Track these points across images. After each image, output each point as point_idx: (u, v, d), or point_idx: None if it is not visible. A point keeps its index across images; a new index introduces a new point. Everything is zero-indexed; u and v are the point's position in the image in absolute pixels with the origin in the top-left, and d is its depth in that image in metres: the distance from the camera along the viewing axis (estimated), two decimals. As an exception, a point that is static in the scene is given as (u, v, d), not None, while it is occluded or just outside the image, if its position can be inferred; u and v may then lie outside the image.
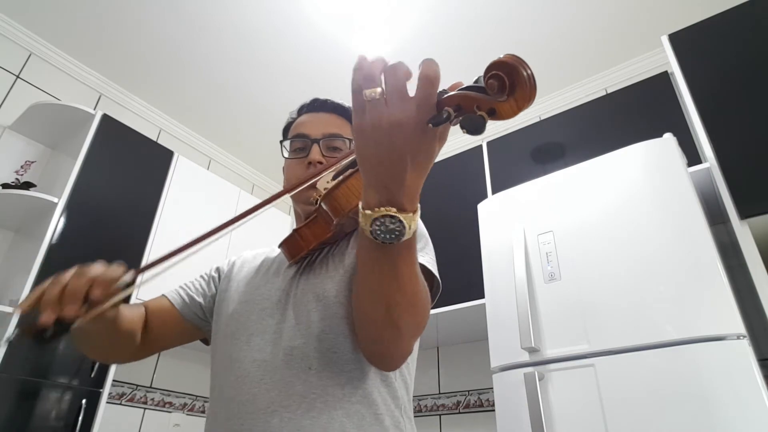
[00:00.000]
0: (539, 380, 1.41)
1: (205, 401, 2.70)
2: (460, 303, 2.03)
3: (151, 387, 2.50)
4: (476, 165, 2.36)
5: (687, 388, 1.19)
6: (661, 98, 1.91)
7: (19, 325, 0.54)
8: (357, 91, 0.45)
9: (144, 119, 2.91)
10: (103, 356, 0.79)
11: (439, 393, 2.42)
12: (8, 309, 1.75)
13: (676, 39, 1.82)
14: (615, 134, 1.91)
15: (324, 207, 0.62)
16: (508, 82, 0.40)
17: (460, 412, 2.32)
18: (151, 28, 2.45)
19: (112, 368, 1.98)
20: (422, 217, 0.80)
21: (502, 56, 0.40)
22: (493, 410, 1.54)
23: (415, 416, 0.83)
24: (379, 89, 0.44)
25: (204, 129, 3.16)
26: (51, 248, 1.92)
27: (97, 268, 0.59)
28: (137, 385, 2.44)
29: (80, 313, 0.55)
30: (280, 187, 0.89)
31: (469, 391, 2.33)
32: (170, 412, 2.55)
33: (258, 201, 3.11)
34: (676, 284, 1.31)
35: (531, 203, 1.72)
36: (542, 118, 2.62)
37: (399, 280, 0.52)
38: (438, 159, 2.79)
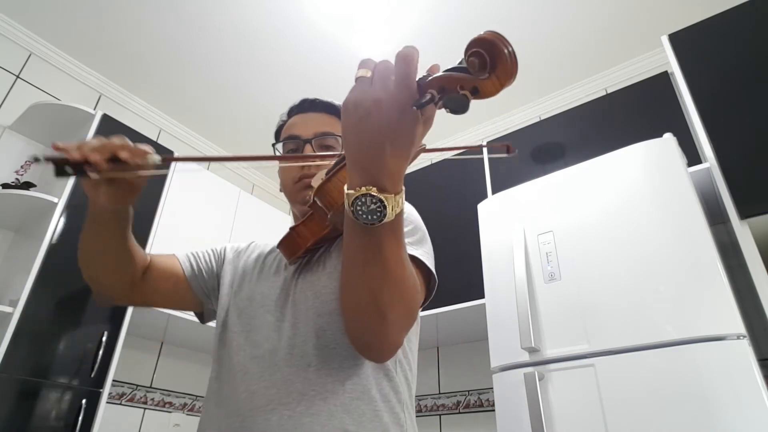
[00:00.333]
0: (539, 380, 1.41)
1: (205, 401, 2.69)
2: (460, 303, 2.03)
3: (151, 387, 2.50)
4: (476, 165, 2.36)
5: (687, 388, 1.19)
6: (661, 98, 1.91)
7: (48, 157, 0.59)
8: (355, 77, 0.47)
9: (144, 119, 2.91)
10: (98, 270, 0.79)
11: (439, 393, 2.42)
12: (8, 309, 1.75)
13: (676, 39, 1.82)
14: (615, 134, 1.91)
15: (318, 202, 0.63)
16: (489, 58, 0.40)
17: (460, 412, 2.32)
18: (151, 28, 2.45)
19: (112, 368, 1.98)
20: (422, 217, 0.81)
21: (482, 33, 0.40)
22: (493, 410, 1.54)
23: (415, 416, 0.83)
24: (369, 72, 0.46)
25: (204, 129, 3.15)
26: (51, 248, 1.91)
27: (131, 143, 0.64)
28: (137, 385, 2.44)
29: (103, 166, 0.59)
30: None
31: (469, 391, 2.33)
32: (170, 412, 2.55)
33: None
34: (676, 284, 1.31)
35: (531, 203, 1.72)
36: (542, 118, 2.62)
37: (383, 264, 0.52)
38: (438, 159, 2.79)
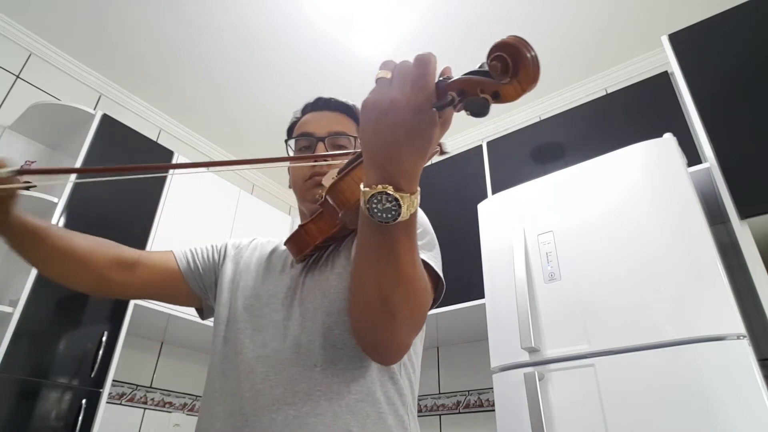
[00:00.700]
0: (539, 380, 1.41)
1: (205, 401, 2.69)
2: (460, 303, 2.03)
3: (151, 387, 2.50)
4: (476, 165, 2.36)
5: (687, 388, 1.19)
6: (661, 98, 1.91)
7: None
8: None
9: (144, 119, 2.91)
10: (51, 274, 0.81)
11: (439, 393, 2.42)
12: (8, 309, 1.75)
13: (676, 39, 1.82)
14: (615, 134, 1.91)
15: (329, 200, 0.62)
16: (511, 63, 0.40)
17: (460, 412, 2.32)
18: (151, 28, 2.45)
19: (112, 368, 1.98)
20: (422, 217, 0.80)
21: (505, 37, 0.40)
22: (493, 410, 1.54)
23: (415, 416, 0.83)
24: (389, 73, 0.47)
25: (204, 129, 3.15)
26: (51, 248, 1.91)
27: None
28: (137, 385, 2.44)
29: None
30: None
31: (469, 391, 2.33)
32: (170, 412, 2.55)
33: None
34: (676, 284, 1.31)
35: (531, 203, 1.72)
36: (542, 118, 2.62)
37: (396, 263, 0.52)
38: (438, 159, 2.79)
